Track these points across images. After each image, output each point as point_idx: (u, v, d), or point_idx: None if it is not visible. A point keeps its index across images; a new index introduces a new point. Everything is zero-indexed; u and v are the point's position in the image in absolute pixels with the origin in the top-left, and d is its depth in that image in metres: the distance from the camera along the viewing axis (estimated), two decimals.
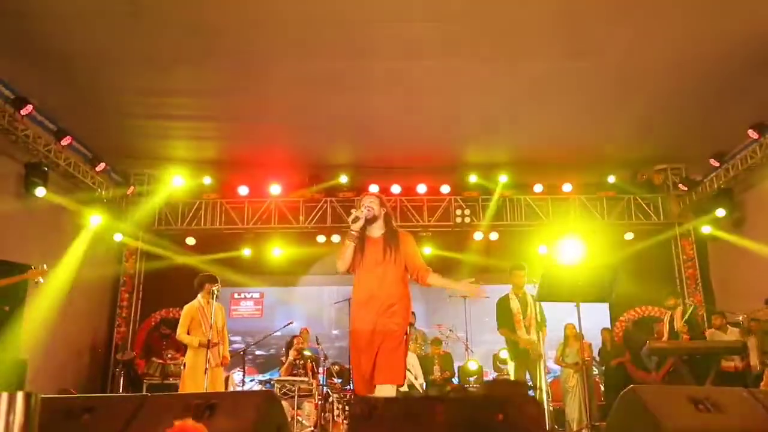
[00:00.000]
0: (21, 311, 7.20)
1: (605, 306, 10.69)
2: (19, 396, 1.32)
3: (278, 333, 8.57)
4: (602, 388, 9.30)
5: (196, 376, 6.14)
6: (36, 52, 7.03)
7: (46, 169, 8.29)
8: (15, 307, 7.03)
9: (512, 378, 6.62)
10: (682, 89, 7.94)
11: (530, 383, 6.30)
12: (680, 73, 7.56)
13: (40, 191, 8.20)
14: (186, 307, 6.51)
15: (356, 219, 3.90)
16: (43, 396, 1.69)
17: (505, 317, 6.70)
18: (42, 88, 7.72)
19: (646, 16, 6.52)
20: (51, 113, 8.37)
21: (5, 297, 6.72)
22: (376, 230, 4.03)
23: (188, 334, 6.35)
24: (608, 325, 10.29)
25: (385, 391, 3.79)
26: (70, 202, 9.43)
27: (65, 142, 8.45)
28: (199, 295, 6.52)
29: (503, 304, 6.78)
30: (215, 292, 6.38)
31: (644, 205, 10.94)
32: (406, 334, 3.93)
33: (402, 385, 3.94)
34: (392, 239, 4.00)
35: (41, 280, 5.79)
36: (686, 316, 7.42)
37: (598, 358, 9.33)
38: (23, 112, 7.51)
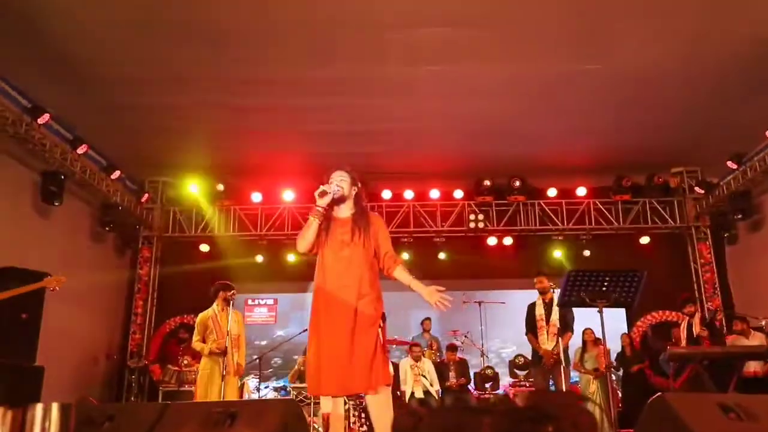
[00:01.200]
0: (38, 319, 7.21)
1: (621, 310, 10.59)
2: (54, 406, 1.30)
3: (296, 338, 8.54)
4: (620, 395, 9.19)
5: (208, 384, 6.17)
6: (52, 62, 7.09)
7: (62, 177, 8.33)
8: (32, 314, 7.04)
9: (532, 384, 6.59)
10: (697, 90, 7.88)
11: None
12: (695, 73, 7.51)
13: (57, 199, 8.25)
14: (200, 315, 6.54)
15: (324, 193, 3.48)
16: (64, 404, 1.67)
17: (530, 323, 6.77)
18: (58, 97, 7.77)
19: (659, 17, 6.50)
20: (67, 122, 8.42)
21: (22, 305, 6.73)
22: (345, 210, 3.63)
23: (203, 342, 6.36)
24: (624, 330, 10.19)
25: (383, 397, 3.43)
26: (85, 209, 9.50)
27: (81, 150, 8.50)
28: (214, 303, 6.52)
29: (530, 310, 6.84)
30: (230, 299, 6.36)
31: (660, 209, 10.85)
32: (381, 327, 3.51)
33: (390, 384, 3.53)
34: (361, 220, 3.60)
35: (57, 288, 5.79)
36: (706, 321, 7.32)
37: (615, 364, 9.23)
38: (40, 121, 7.55)
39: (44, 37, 6.59)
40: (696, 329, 7.29)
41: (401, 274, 3.63)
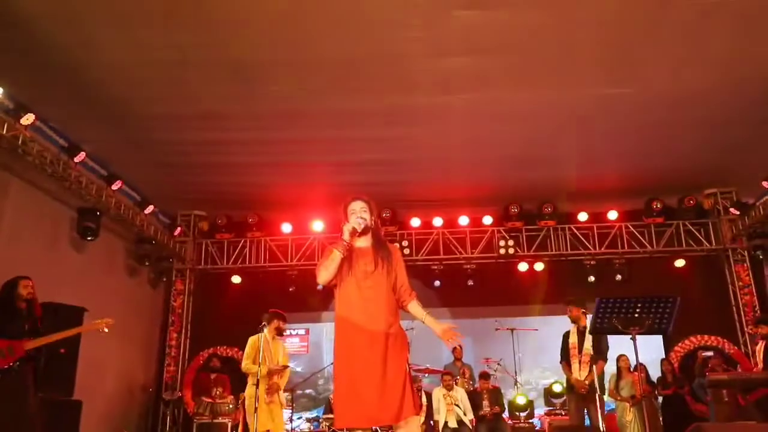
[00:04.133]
0: (75, 353, 7.35)
1: (659, 336, 10.36)
2: None
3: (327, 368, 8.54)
4: (660, 421, 8.95)
5: (259, 409, 6.01)
6: (87, 102, 7.32)
7: (98, 213, 8.54)
8: (69, 349, 7.17)
9: (568, 413, 6.47)
10: (730, 112, 7.78)
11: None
12: (728, 95, 7.41)
13: (92, 234, 8.45)
14: (251, 339, 6.45)
15: (354, 232, 3.46)
16: None
17: (564, 351, 6.68)
18: (93, 135, 8.01)
19: (690, 40, 6.45)
20: (101, 159, 8.67)
21: (61, 340, 6.86)
22: (364, 240, 3.58)
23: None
24: (662, 356, 9.96)
25: (413, 427, 3.37)
26: (120, 244, 9.71)
27: (116, 186, 8.72)
28: (265, 330, 6.44)
29: (564, 338, 6.75)
30: (283, 330, 6.50)
31: (694, 231, 10.65)
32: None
33: (419, 414, 3.59)
34: (382, 250, 3.56)
35: (106, 329, 5.92)
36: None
37: (657, 391, 8.99)
38: (76, 159, 7.79)
39: (80, 77, 6.82)
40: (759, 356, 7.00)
41: (415, 307, 3.60)
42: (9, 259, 7.27)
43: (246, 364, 6.33)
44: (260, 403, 6.02)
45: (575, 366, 6.41)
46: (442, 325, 3.53)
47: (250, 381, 6.29)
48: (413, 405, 3.40)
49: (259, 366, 6.05)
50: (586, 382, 6.28)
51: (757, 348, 7.35)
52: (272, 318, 6.54)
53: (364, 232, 3.54)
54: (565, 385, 6.89)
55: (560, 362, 6.80)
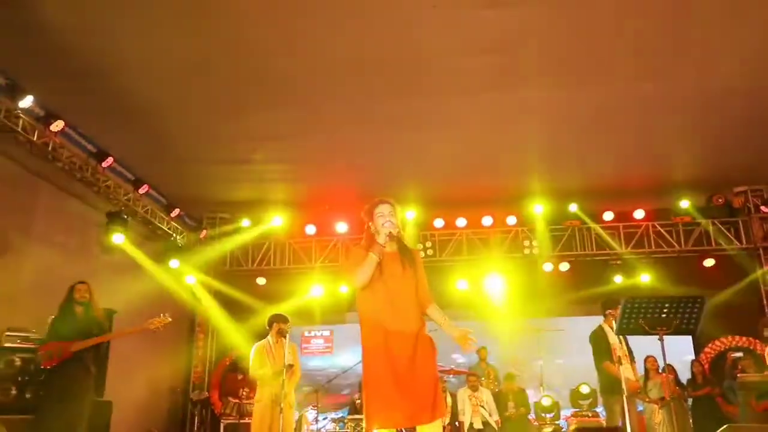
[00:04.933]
0: (106, 354, 7.47)
1: (688, 337, 10.20)
2: None
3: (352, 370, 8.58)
4: (690, 423, 8.81)
5: (264, 414, 6.20)
6: (114, 109, 7.44)
7: (126, 217, 8.69)
8: (100, 350, 7.29)
9: (608, 414, 6.31)
10: (760, 108, 7.63)
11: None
12: (757, 90, 7.27)
13: (120, 238, 8.59)
14: (255, 345, 6.61)
15: (391, 236, 3.55)
16: None
17: (607, 352, 6.28)
18: (120, 140, 8.15)
19: (718, 35, 6.34)
20: (128, 164, 8.81)
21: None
22: (390, 243, 3.63)
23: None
24: (691, 357, 9.81)
25: (437, 428, 3.41)
26: (148, 247, 9.85)
27: (143, 190, 8.86)
28: (269, 334, 6.62)
29: (602, 339, 6.40)
30: (286, 331, 6.45)
31: (724, 230, 10.47)
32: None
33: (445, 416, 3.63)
34: (407, 253, 3.67)
35: (161, 328, 6.07)
36: None
37: (685, 393, 8.85)
38: (105, 164, 7.95)
39: (107, 84, 6.93)
40: None
41: (435, 312, 3.65)
42: (40, 262, 7.44)
43: (252, 370, 6.46)
44: (266, 406, 6.16)
45: (621, 366, 6.13)
46: (459, 330, 3.57)
47: (258, 386, 6.43)
48: (444, 406, 3.49)
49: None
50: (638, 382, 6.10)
51: (766, 352, 7.22)
52: (272, 321, 6.61)
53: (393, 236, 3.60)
54: (601, 385, 6.60)
55: (599, 363, 6.41)
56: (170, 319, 6.07)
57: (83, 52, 6.37)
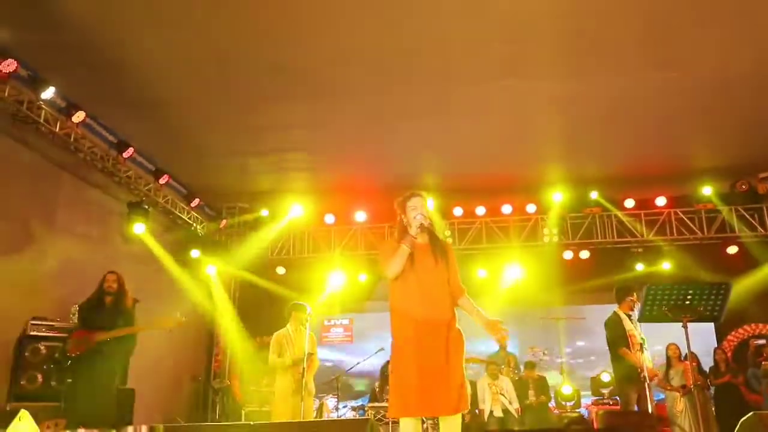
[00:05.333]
0: (133, 344, 7.56)
1: (710, 324, 10.08)
2: (144, 429, 1.37)
3: (370, 359, 8.62)
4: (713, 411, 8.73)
5: (283, 402, 6.31)
6: (134, 100, 7.49)
7: (146, 206, 8.77)
8: (128, 342, 7.38)
9: (623, 402, 6.28)
10: None
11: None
12: None
13: (141, 228, 8.68)
14: (275, 334, 6.69)
15: (423, 228, 3.66)
16: (153, 426, 1.76)
17: (623, 339, 6.26)
18: (140, 131, 8.21)
19: (737, 20, 6.22)
20: (149, 154, 8.88)
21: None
22: (422, 235, 3.75)
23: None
24: (712, 346, 9.71)
25: (459, 419, 3.49)
26: (168, 236, 9.95)
27: (163, 180, 8.93)
28: (288, 323, 6.67)
29: (618, 325, 6.36)
30: (306, 319, 6.50)
31: (748, 216, 10.30)
32: None
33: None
34: (439, 246, 3.75)
35: (172, 327, 6.18)
36: None
37: (708, 381, 8.76)
38: (125, 155, 8.01)
39: (127, 76, 6.98)
40: None
41: (466, 303, 3.73)
42: (62, 252, 7.54)
43: (271, 359, 6.52)
44: (288, 397, 6.24)
45: (638, 354, 6.08)
46: (489, 320, 3.64)
47: (277, 374, 6.51)
48: (468, 398, 3.54)
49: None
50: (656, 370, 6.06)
51: None
52: (291, 310, 6.69)
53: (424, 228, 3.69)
54: (617, 373, 6.53)
55: (616, 349, 6.36)
56: (184, 320, 6.13)
57: (104, 44, 6.42)
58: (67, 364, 5.96)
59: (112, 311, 5.98)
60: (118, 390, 6.18)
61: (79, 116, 7.11)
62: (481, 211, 10.90)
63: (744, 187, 10.16)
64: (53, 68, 6.73)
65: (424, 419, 5.22)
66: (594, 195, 10.45)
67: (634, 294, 6.41)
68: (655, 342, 7.72)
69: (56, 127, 7.01)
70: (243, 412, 9.09)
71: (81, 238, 7.96)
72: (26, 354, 6.43)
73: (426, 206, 3.75)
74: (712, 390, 8.69)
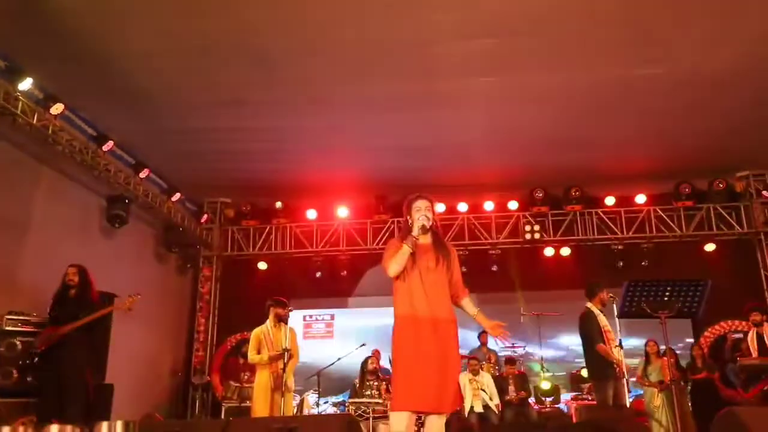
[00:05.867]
0: (107, 338, 7.49)
1: (687, 321, 10.22)
2: (119, 424, 1.36)
3: (351, 355, 8.61)
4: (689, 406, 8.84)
5: (264, 398, 6.29)
6: (114, 92, 7.41)
7: (126, 200, 8.67)
8: (101, 334, 7.31)
9: (600, 397, 6.32)
10: (762, 91, 7.57)
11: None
12: (760, 73, 7.21)
13: (121, 222, 8.57)
14: (254, 330, 6.67)
15: (424, 229, 3.76)
16: (128, 421, 1.74)
17: (598, 334, 6.23)
18: (120, 124, 8.11)
19: (720, 17, 6.28)
20: (129, 147, 8.77)
21: (94, 324, 7.02)
22: (426, 236, 3.86)
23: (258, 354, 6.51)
24: (689, 342, 9.84)
25: (441, 420, 3.62)
26: (148, 231, 9.86)
27: (143, 174, 8.83)
28: (268, 319, 6.64)
29: (593, 321, 6.34)
30: (284, 316, 6.51)
31: (725, 215, 10.45)
32: None
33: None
34: (442, 248, 3.87)
35: (131, 308, 6.13)
36: None
37: (685, 377, 8.87)
38: (105, 148, 7.90)
39: (107, 67, 6.89)
40: None
41: (468, 304, 3.90)
42: (40, 246, 7.43)
43: (250, 356, 6.51)
44: (266, 390, 6.26)
45: (613, 350, 6.10)
46: (492, 322, 3.83)
47: (257, 370, 6.51)
48: (461, 398, 3.75)
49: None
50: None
51: (749, 336, 7.24)
52: (269, 307, 6.66)
53: (427, 230, 3.81)
54: (593, 368, 6.54)
55: (594, 345, 6.25)
56: (140, 296, 6.08)
57: (84, 33, 6.33)
58: (35, 360, 5.93)
59: (74, 303, 5.98)
60: (99, 385, 6.13)
61: (57, 108, 6.99)
62: (463, 207, 10.94)
63: (721, 185, 10.30)
64: (31, 58, 6.60)
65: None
66: (575, 192, 10.54)
67: (605, 290, 6.44)
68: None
69: (34, 120, 6.88)
70: (223, 408, 9.03)
71: (59, 232, 7.86)
72: (1, 349, 6.33)
73: (431, 209, 3.86)
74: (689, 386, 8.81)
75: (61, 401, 5.61)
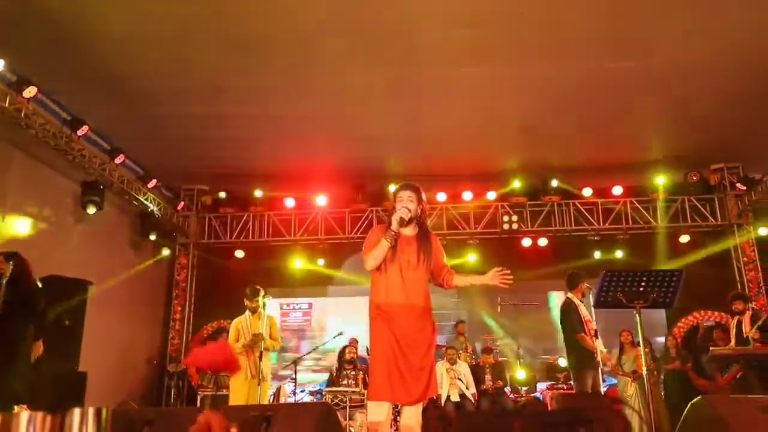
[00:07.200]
0: (80, 325, 7.39)
1: (660, 311, 10.37)
2: (90, 411, 1.33)
3: (328, 344, 8.62)
4: (662, 396, 8.99)
5: (241, 386, 6.34)
6: (90, 75, 7.27)
7: (101, 186, 8.53)
8: (75, 321, 7.22)
9: (579, 386, 6.40)
10: (737, 85, 7.68)
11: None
12: (735, 67, 7.31)
13: (95, 208, 8.44)
14: (234, 320, 6.76)
15: (402, 222, 3.58)
16: (100, 408, 1.70)
17: (579, 323, 6.32)
18: (96, 108, 7.96)
19: (697, 9, 6.35)
20: (104, 133, 8.63)
21: (66, 311, 6.93)
22: (409, 228, 3.70)
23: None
24: (663, 333, 9.99)
25: (417, 409, 3.59)
26: (124, 218, 9.72)
27: (119, 160, 8.69)
28: (247, 308, 6.68)
29: (574, 311, 6.41)
30: (262, 303, 6.57)
31: (700, 207, 10.60)
32: None
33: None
34: (426, 242, 3.70)
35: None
36: (759, 323, 7.00)
37: (660, 367, 9.00)
38: (79, 133, 7.74)
39: (83, 50, 6.76)
40: (746, 328, 7.05)
41: (459, 279, 3.79)
42: (13, 233, 7.29)
43: (229, 345, 6.49)
44: (242, 378, 6.30)
45: (593, 340, 6.15)
46: (488, 274, 3.69)
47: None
48: (436, 388, 3.64)
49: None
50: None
51: (731, 324, 7.39)
52: (246, 295, 6.73)
53: (409, 222, 3.67)
54: (573, 358, 6.59)
55: (574, 335, 6.36)
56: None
57: (59, 15, 6.19)
58: None
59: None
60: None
61: (30, 91, 6.82)
62: (441, 197, 10.96)
63: (695, 177, 10.45)
64: (2, 40, 6.44)
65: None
66: (554, 183, 10.63)
67: (584, 281, 6.53)
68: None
69: (6, 103, 6.72)
70: (198, 397, 8.99)
71: (32, 219, 7.72)
72: None
73: (415, 200, 3.68)
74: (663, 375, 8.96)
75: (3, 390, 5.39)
